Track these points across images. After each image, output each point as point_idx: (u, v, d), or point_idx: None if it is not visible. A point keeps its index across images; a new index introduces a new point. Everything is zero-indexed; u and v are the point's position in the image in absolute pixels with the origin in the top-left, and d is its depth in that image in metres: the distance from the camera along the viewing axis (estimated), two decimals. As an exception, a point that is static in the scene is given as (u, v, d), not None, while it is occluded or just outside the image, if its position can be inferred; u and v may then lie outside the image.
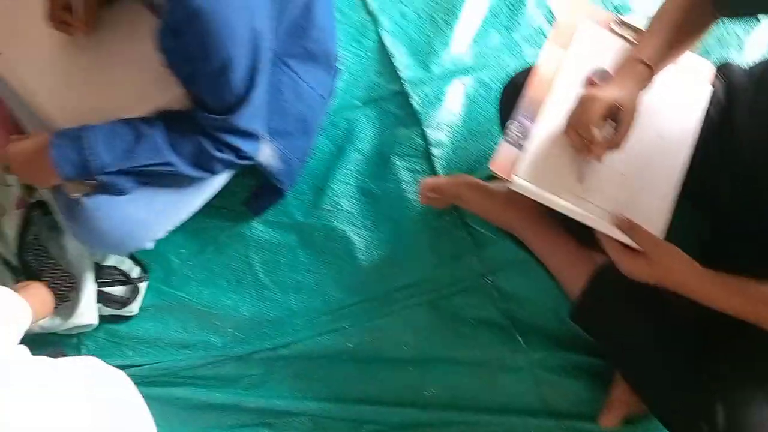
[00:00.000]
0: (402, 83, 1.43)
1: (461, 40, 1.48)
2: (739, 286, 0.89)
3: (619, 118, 0.92)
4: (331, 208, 1.35)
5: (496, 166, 0.98)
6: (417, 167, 1.38)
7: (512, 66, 1.45)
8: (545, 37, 1.46)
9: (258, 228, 1.35)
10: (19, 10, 1.14)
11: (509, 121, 1.00)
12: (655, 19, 0.98)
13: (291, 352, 1.27)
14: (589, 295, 1.12)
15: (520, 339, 1.23)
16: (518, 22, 1.49)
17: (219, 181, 1.25)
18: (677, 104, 1.03)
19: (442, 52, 1.47)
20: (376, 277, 1.30)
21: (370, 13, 1.52)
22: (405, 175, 1.37)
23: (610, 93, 0.90)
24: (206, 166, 1.10)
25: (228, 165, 1.12)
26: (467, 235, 1.32)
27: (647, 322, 1.05)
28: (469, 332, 1.25)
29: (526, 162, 0.97)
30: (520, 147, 0.99)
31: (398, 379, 1.24)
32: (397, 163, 1.38)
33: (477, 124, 1.40)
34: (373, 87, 1.46)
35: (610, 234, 0.94)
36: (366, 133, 1.41)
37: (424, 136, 1.39)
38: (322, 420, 1.23)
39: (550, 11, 1.49)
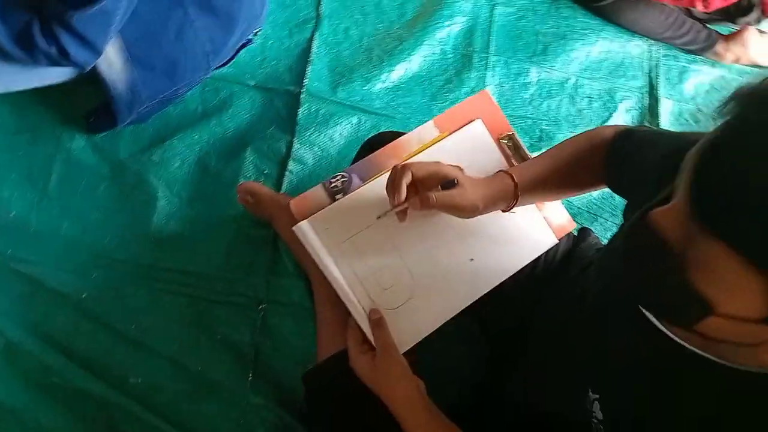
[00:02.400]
0: (302, 89, 1.37)
1: (384, 83, 1.43)
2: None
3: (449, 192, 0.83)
4: (158, 162, 1.26)
5: (296, 203, 0.91)
6: (266, 169, 1.30)
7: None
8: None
9: (79, 141, 1.26)
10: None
11: (339, 172, 0.93)
12: (543, 154, 0.92)
13: (26, 270, 1.15)
14: (330, 365, 1.03)
15: (250, 377, 1.12)
16: (445, 98, 1.44)
17: (52, 74, 1.16)
18: (511, 240, 0.95)
19: (357, 83, 1.41)
20: (157, 248, 1.20)
21: (318, 12, 1.46)
22: (249, 170, 1.29)
23: (454, 169, 0.83)
24: (27, 48, 1.01)
25: (51, 60, 1.04)
26: (271, 257, 1.22)
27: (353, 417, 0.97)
28: (208, 345, 1.14)
29: (324, 214, 0.89)
30: (333, 199, 0.92)
31: (112, 352, 1.12)
32: (250, 156, 1.30)
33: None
34: (274, 77, 1.39)
35: (360, 322, 0.87)
36: (239, 113, 1.34)
37: (289, 147, 1.31)
38: (15, 346, 1.10)
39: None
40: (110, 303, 1.15)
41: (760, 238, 0.42)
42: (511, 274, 0.92)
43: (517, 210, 0.89)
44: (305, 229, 0.88)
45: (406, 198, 0.80)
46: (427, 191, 0.80)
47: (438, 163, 0.82)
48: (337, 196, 0.92)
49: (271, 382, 1.13)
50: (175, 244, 1.21)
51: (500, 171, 0.87)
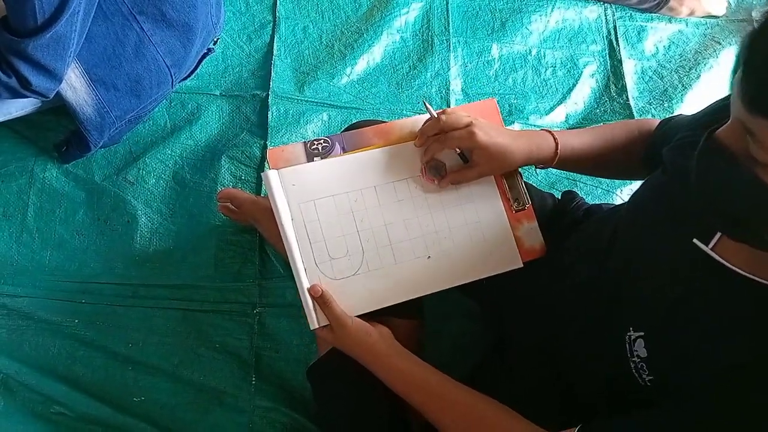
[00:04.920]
0: (269, 92, 1.37)
1: (349, 77, 1.43)
2: (431, 376, 0.83)
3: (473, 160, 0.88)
4: (133, 181, 1.26)
5: (274, 153, 0.91)
6: (243, 176, 1.30)
7: (385, 119, 1.40)
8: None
9: (52, 171, 1.25)
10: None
11: (323, 136, 0.94)
12: (590, 128, 0.95)
13: (14, 304, 1.14)
14: (332, 358, 1.03)
15: (254, 381, 1.12)
16: (411, 85, 1.45)
17: (16, 106, 1.16)
18: (474, 251, 0.94)
19: (323, 80, 1.42)
20: (144, 266, 1.20)
21: (274, 15, 1.47)
22: (226, 178, 1.29)
23: (487, 136, 0.86)
24: None
25: (13, 92, 1.04)
26: (259, 261, 1.22)
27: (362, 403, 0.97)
28: (207, 355, 1.14)
29: (295, 170, 0.90)
30: (310, 158, 0.92)
31: (112, 374, 1.11)
32: (225, 164, 1.30)
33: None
34: (240, 84, 1.39)
35: (298, 284, 0.87)
36: (209, 124, 1.34)
37: (264, 150, 1.32)
38: (14, 382, 1.08)
39: (447, 88, 1.46)
40: (103, 326, 1.14)
41: None
42: (463, 282, 0.92)
43: (488, 224, 0.92)
44: (271, 177, 0.88)
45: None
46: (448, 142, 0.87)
47: (472, 123, 0.86)
48: (315, 158, 0.92)
49: (276, 383, 1.13)
50: (161, 260, 1.21)
51: (545, 129, 0.89)
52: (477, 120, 0.87)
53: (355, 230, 0.90)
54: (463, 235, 0.93)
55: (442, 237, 0.92)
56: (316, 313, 0.86)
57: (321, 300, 0.85)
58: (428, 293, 0.91)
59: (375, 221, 0.90)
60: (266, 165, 1.28)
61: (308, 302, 0.86)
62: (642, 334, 0.70)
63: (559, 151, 0.88)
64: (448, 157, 0.93)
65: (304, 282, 0.86)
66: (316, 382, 1.03)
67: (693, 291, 0.67)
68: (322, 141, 0.93)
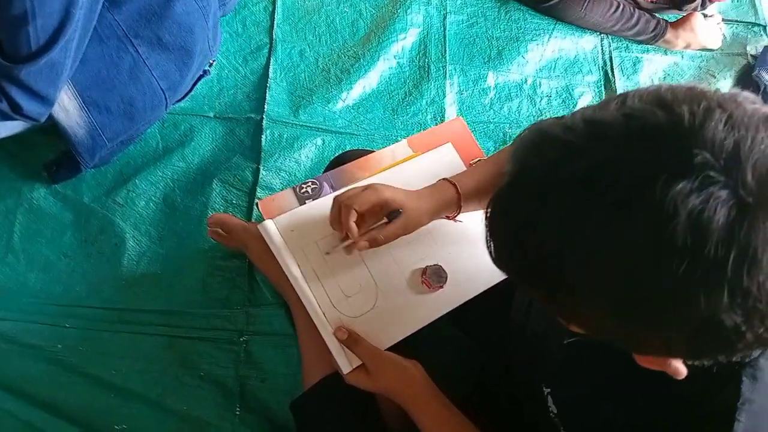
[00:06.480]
0: (263, 115, 1.36)
1: (344, 101, 1.43)
2: (461, 422, 0.81)
3: (395, 219, 0.84)
4: (123, 203, 1.24)
5: (265, 204, 0.91)
6: (234, 200, 1.29)
7: (379, 145, 1.39)
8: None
9: (40, 191, 1.24)
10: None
11: (310, 179, 0.94)
12: (487, 160, 0.93)
13: (-4, 327, 1.13)
14: (317, 392, 1.02)
15: (238, 411, 1.11)
16: (407, 111, 1.45)
17: (6, 127, 1.14)
18: (482, 260, 0.95)
19: (318, 104, 1.41)
20: (130, 290, 1.18)
21: (271, 38, 1.46)
22: (217, 202, 1.28)
23: (396, 193, 0.83)
24: None
25: (2, 116, 1.03)
26: (247, 287, 1.21)
27: None
28: (191, 383, 1.12)
29: (290, 215, 0.89)
30: (301, 202, 0.92)
31: (94, 401, 1.09)
32: (217, 188, 1.28)
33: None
34: (234, 106, 1.38)
35: (320, 330, 0.86)
36: (201, 146, 1.33)
37: (256, 174, 1.31)
38: (-7, 407, 1.07)
39: (442, 113, 1.45)
40: (87, 352, 1.12)
41: None
42: (479, 291, 0.92)
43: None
44: (269, 227, 0.87)
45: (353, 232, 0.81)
46: (372, 220, 0.83)
47: (378, 190, 0.81)
48: (306, 201, 0.92)
49: (261, 413, 1.11)
50: (148, 285, 1.19)
51: (444, 180, 0.86)
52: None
53: (362, 264, 0.89)
54: (470, 243, 0.93)
55: (447, 249, 0.92)
56: (346, 355, 0.84)
57: (350, 341, 0.84)
58: (444, 312, 0.90)
59: (380, 252, 0.89)
60: (256, 213, 1.26)
61: (336, 346, 0.84)
62: (549, 390, 0.72)
63: (459, 191, 0.84)
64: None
65: (327, 326, 0.85)
66: (299, 416, 1.02)
67: (582, 347, 0.67)
68: (310, 183, 0.92)
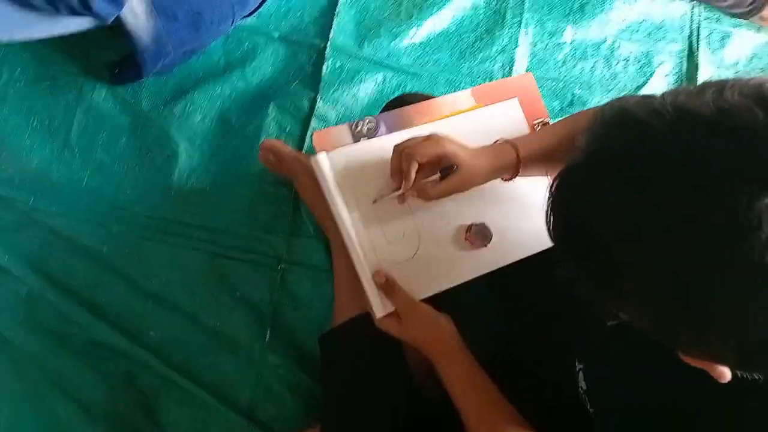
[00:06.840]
0: (328, 43, 1.32)
1: (411, 38, 1.38)
2: (485, 383, 0.81)
3: (449, 176, 0.82)
4: (179, 116, 1.24)
5: (320, 136, 0.90)
6: (288, 127, 1.27)
7: (441, 89, 1.35)
8: (487, 81, 1.36)
9: (101, 92, 1.24)
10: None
11: (367, 116, 0.91)
12: (552, 126, 0.88)
13: (47, 220, 1.15)
14: (346, 330, 1.03)
15: (268, 336, 1.13)
16: (475, 57, 1.39)
17: (74, 23, 1.13)
18: (530, 222, 0.92)
19: (385, 38, 1.36)
20: (178, 203, 1.19)
21: (344, -40, 1.40)
22: (272, 126, 1.26)
23: (457, 148, 0.80)
24: None
25: (72, 10, 1.02)
26: (291, 217, 1.21)
27: (376, 383, 0.97)
28: (227, 302, 1.15)
29: (345, 152, 0.87)
30: (356, 140, 0.90)
31: (130, 305, 1.13)
32: (272, 112, 1.27)
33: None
34: (300, 29, 1.34)
35: (359, 272, 0.85)
36: (262, 67, 1.30)
37: (313, 104, 1.28)
38: (37, 296, 1.11)
39: (512, 64, 1.39)
40: (131, 257, 1.15)
41: None
42: (523, 257, 0.90)
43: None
44: (322, 160, 0.85)
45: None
46: (427, 171, 0.81)
47: (439, 143, 0.79)
48: (361, 140, 0.90)
49: (289, 341, 1.14)
50: (196, 200, 1.20)
51: (505, 141, 0.83)
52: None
53: (409, 212, 0.88)
54: (518, 206, 0.91)
55: (496, 210, 0.90)
56: (381, 300, 0.84)
57: (387, 286, 0.83)
58: (484, 272, 0.89)
59: (428, 203, 0.87)
60: (308, 143, 1.25)
61: (373, 289, 0.84)
62: (582, 366, 0.70)
63: (520, 155, 0.81)
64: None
65: (366, 268, 0.84)
66: (326, 350, 1.04)
67: (625, 330, 0.65)
68: (366, 121, 0.90)
